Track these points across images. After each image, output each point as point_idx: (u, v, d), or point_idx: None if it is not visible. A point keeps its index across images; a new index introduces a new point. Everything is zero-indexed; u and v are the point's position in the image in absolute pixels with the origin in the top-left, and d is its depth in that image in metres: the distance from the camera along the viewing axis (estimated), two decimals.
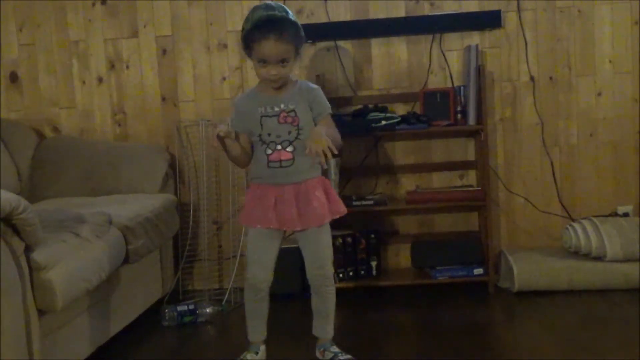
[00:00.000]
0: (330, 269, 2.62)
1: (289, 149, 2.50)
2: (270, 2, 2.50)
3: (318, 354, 2.68)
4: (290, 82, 2.55)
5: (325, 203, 2.54)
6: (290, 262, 3.30)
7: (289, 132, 2.50)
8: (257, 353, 2.65)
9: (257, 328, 2.68)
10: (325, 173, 3.40)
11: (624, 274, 3.30)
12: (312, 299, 2.67)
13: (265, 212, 2.52)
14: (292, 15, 2.49)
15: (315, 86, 2.60)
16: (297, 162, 2.50)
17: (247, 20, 2.47)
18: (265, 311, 2.66)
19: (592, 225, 3.39)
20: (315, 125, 2.53)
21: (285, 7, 2.49)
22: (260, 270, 2.58)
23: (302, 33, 2.49)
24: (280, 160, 2.49)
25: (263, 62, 2.44)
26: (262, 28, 2.40)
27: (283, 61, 2.43)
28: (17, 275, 2.11)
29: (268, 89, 2.52)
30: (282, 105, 2.50)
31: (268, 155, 2.50)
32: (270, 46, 2.40)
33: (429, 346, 2.82)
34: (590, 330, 2.88)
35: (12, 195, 2.08)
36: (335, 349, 2.65)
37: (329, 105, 2.60)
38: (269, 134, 2.50)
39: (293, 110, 2.50)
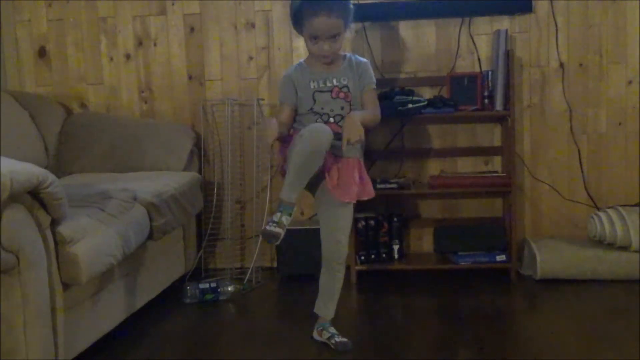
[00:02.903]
0: (346, 249, 2.63)
1: (341, 123, 2.52)
2: None
3: (316, 334, 2.69)
4: (340, 57, 2.59)
5: (359, 183, 2.58)
6: (309, 243, 3.33)
7: (342, 107, 2.55)
8: (290, 215, 2.43)
9: (299, 184, 2.41)
10: None
11: None
12: (321, 276, 2.68)
13: None
14: None
15: (364, 60, 2.64)
16: None
17: None
18: (315, 169, 2.40)
19: (618, 214, 3.36)
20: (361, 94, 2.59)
21: None
22: (321, 135, 2.36)
23: (351, 7, 2.53)
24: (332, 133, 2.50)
25: (314, 37, 2.47)
26: (312, 4, 2.44)
27: (334, 36, 2.47)
28: (43, 249, 2.14)
29: (318, 64, 2.56)
30: (334, 81, 2.55)
31: None
32: (320, 22, 2.44)
33: (449, 331, 2.82)
34: (613, 321, 2.87)
35: (40, 169, 2.11)
36: (332, 330, 2.66)
37: (374, 79, 2.63)
38: (322, 107, 2.54)
39: (346, 86, 2.55)
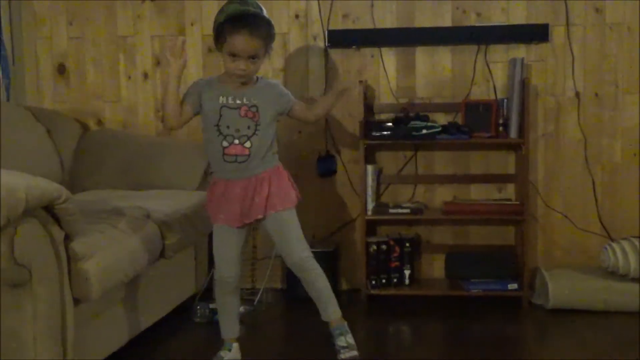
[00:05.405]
0: (302, 250, 2.60)
1: (247, 144, 2.51)
2: None
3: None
4: (252, 79, 2.56)
5: (272, 194, 2.55)
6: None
7: (248, 127, 2.51)
8: (229, 350, 2.69)
9: (228, 325, 2.71)
10: (362, 179, 3.41)
11: None
12: (304, 286, 2.65)
13: (219, 209, 2.58)
14: (265, 12, 2.52)
15: (276, 81, 2.67)
16: (251, 159, 2.52)
17: (220, 12, 2.49)
18: (235, 308, 2.71)
19: (631, 245, 3.32)
20: (290, 111, 2.63)
21: (259, 4, 2.53)
22: (226, 265, 2.63)
23: (274, 31, 2.52)
24: (236, 155, 2.50)
25: (233, 56, 2.44)
26: (235, 22, 2.42)
27: (253, 57, 2.45)
28: (56, 264, 2.14)
29: (231, 82, 2.53)
30: (244, 99, 2.52)
31: (224, 148, 2.51)
32: (242, 41, 2.41)
33: (459, 358, 2.79)
34: (623, 354, 2.83)
35: (55, 185, 2.11)
36: (342, 341, 2.60)
37: (290, 94, 2.65)
38: (228, 127, 2.51)
39: (255, 106, 2.52)
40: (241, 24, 2.41)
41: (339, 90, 2.62)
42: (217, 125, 2.51)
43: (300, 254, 2.60)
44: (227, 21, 2.44)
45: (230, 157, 2.51)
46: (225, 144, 2.51)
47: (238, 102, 2.51)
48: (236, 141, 2.51)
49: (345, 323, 2.64)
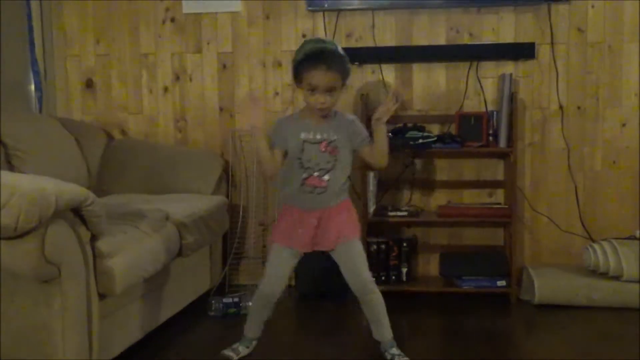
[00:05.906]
0: (366, 277, 2.56)
1: (325, 177, 2.48)
2: (320, 37, 2.53)
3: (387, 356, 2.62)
4: (331, 113, 2.52)
5: (345, 225, 2.54)
6: (326, 263, 3.31)
7: (328, 162, 2.49)
8: (247, 347, 2.69)
9: (256, 327, 2.69)
10: (364, 184, 3.42)
11: (638, 293, 3.22)
12: (362, 307, 2.62)
13: (290, 234, 2.54)
14: (340, 49, 2.49)
15: (353, 117, 2.58)
16: (329, 191, 2.50)
17: (299, 51, 2.47)
18: (268, 315, 2.68)
19: (610, 246, 3.32)
20: (360, 151, 2.56)
21: (334, 42, 2.51)
22: (276, 282, 2.60)
23: (349, 66, 2.48)
24: (315, 187, 2.48)
25: (312, 90, 2.42)
26: (313, 58, 2.40)
27: (331, 90, 2.41)
28: (82, 262, 2.16)
29: (311, 117, 2.50)
30: (324, 135, 2.48)
31: (304, 179, 2.48)
32: (320, 75, 2.39)
33: (452, 350, 2.80)
34: (604, 345, 2.83)
35: (82, 189, 2.13)
36: (394, 350, 2.59)
37: (366, 133, 2.58)
38: (309, 160, 2.48)
39: (334, 141, 2.49)
40: (318, 59, 2.39)
41: (377, 118, 2.49)
42: (300, 159, 2.49)
43: (368, 280, 2.57)
44: (305, 58, 2.42)
45: (308, 187, 2.49)
46: (304, 174, 2.48)
47: (318, 137, 2.48)
48: (315, 174, 2.48)
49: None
